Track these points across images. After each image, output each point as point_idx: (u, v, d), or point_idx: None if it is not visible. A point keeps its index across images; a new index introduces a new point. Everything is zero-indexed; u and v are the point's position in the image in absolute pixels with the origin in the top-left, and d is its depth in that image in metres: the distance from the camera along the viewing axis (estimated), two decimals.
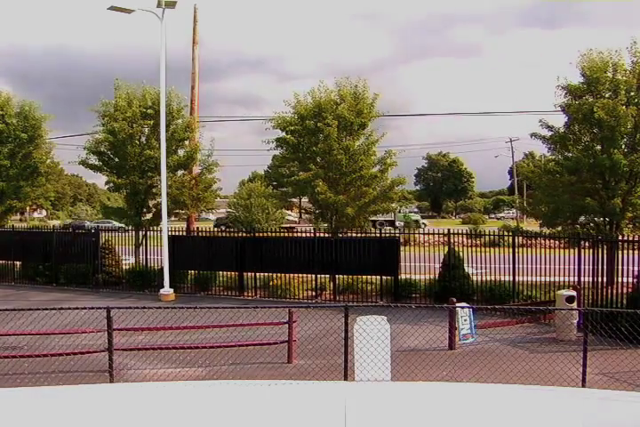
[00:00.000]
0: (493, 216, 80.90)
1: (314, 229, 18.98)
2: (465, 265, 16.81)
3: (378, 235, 17.77)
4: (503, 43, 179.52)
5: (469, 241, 20.99)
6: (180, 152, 20.84)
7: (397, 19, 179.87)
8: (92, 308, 8.25)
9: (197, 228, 21.68)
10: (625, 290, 13.12)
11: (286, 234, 19.36)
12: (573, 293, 12.62)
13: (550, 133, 16.65)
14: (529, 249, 16.91)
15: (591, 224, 16.39)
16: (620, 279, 13.63)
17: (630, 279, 13.49)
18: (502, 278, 16.18)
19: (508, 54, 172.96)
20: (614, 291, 13.15)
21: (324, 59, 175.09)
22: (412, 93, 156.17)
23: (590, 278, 13.69)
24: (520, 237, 17.84)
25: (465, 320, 11.23)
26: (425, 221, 60.97)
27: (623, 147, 15.51)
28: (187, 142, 21.02)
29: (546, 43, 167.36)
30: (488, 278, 16.39)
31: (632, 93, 15.26)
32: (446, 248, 17.23)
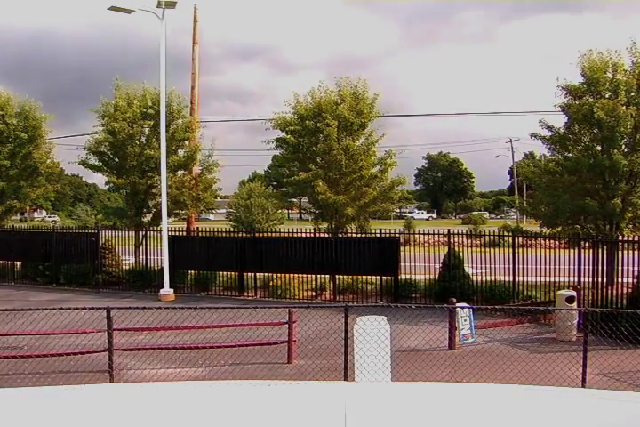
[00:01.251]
0: (491, 217, 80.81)
1: (314, 229, 18.99)
2: (465, 265, 16.80)
3: (378, 235, 17.77)
4: (506, 33, 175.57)
5: (469, 241, 21.02)
6: (180, 152, 20.86)
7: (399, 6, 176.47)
8: (92, 308, 8.26)
9: (197, 228, 21.68)
10: (625, 290, 13.12)
11: (286, 234, 19.33)
12: (573, 293, 12.61)
13: (550, 134, 16.66)
14: (529, 249, 16.91)
15: (591, 224, 16.39)
16: (620, 279, 13.64)
17: (630, 279, 13.49)
18: (502, 278, 16.19)
19: (511, 48, 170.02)
20: (614, 291, 13.15)
21: (322, 49, 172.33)
22: (410, 89, 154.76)
23: (590, 279, 13.67)
24: (520, 238, 17.84)
25: (465, 320, 11.23)
26: None
27: (623, 147, 15.51)
28: (187, 142, 21.03)
29: (550, 36, 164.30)
30: (488, 278, 16.39)
31: (632, 94, 15.26)
32: (446, 248, 17.24)
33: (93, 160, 20.82)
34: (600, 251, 13.59)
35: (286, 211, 52.33)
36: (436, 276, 16.92)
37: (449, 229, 17.53)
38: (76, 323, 9.37)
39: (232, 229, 23.75)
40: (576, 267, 14.32)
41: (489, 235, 18.50)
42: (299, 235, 18.57)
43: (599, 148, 15.68)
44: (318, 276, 17.78)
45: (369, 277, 17.54)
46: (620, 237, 14.89)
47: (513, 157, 66.95)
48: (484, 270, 16.72)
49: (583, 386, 7.70)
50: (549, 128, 16.62)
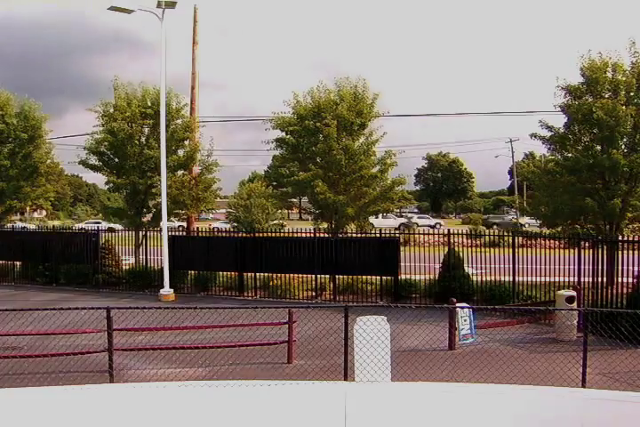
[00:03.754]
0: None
1: (314, 229, 18.97)
2: (465, 265, 16.80)
3: (378, 235, 17.76)
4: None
5: (469, 241, 21.01)
6: (180, 152, 20.85)
7: None
8: (92, 308, 8.26)
9: (197, 228, 21.69)
10: (625, 290, 13.12)
11: (286, 234, 19.33)
12: (573, 293, 12.61)
13: (550, 134, 16.66)
14: (529, 249, 16.91)
15: (591, 224, 16.39)
16: (620, 279, 13.64)
17: (630, 279, 13.48)
18: (502, 278, 16.19)
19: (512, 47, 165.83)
20: (614, 291, 13.15)
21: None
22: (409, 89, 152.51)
23: (590, 279, 13.67)
24: (520, 238, 17.84)
25: (465, 320, 11.23)
26: None
27: (623, 147, 15.53)
28: (186, 142, 21.02)
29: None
30: (488, 279, 16.39)
31: (631, 93, 15.28)
32: (446, 248, 17.24)
33: (93, 160, 20.83)
34: (600, 251, 13.58)
35: (286, 211, 52.32)
36: (436, 276, 16.92)
37: (449, 229, 17.53)
38: (76, 323, 9.37)
39: (231, 229, 23.74)
40: (576, 267, 14.31)
41: (489, 235, 18.49)
42: (299, 235, 18.56)
43: (599, 148, 15.69)
44: (318, 276, 17.77)
45: (369, 277, 17.54)
46: (619, 237, 14.89)
47: (513, 157, 66.91)
48: (484, 270, 16.72)
49: (583, 386, 7.70)
50: (549, 128, 16.62)
